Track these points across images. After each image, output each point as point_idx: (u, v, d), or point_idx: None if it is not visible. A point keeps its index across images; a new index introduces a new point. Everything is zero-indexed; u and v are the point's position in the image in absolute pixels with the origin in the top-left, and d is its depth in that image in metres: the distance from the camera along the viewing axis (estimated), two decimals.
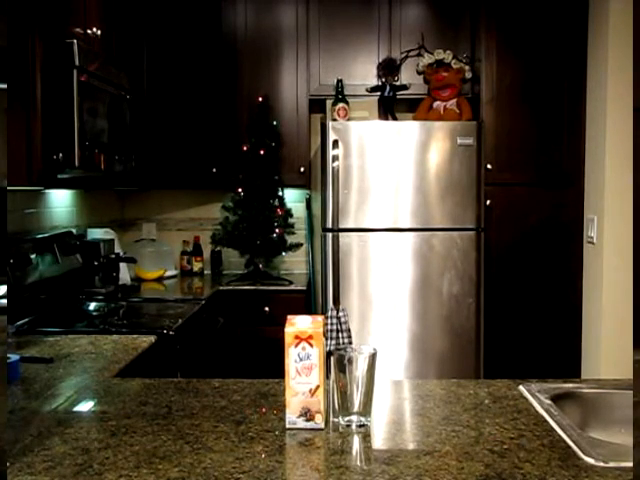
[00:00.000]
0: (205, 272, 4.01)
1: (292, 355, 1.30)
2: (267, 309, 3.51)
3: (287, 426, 1.31)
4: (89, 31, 2.62)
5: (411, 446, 1.26)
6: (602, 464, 1.14)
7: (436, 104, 3.62)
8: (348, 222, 3.34)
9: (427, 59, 3.66)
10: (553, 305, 3.56)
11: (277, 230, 3.67)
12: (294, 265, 4.04)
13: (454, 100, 3.61)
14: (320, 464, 1.17)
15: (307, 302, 3.69)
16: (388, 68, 3.64)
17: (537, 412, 1.42)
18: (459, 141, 3.30)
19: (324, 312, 3.34)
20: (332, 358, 1.32)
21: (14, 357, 1.72)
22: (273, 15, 3.74)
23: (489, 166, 3.48)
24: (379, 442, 1.29)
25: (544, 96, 3.52)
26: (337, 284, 3.32)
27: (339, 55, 3.73)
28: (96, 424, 1.37)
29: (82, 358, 1.94)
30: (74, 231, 3.06)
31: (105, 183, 3.22)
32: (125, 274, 3.35)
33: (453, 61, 3.64)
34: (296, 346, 1.30)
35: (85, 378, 1.73)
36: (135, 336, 2.22)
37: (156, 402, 1.49)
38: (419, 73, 3.70)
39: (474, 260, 3.35)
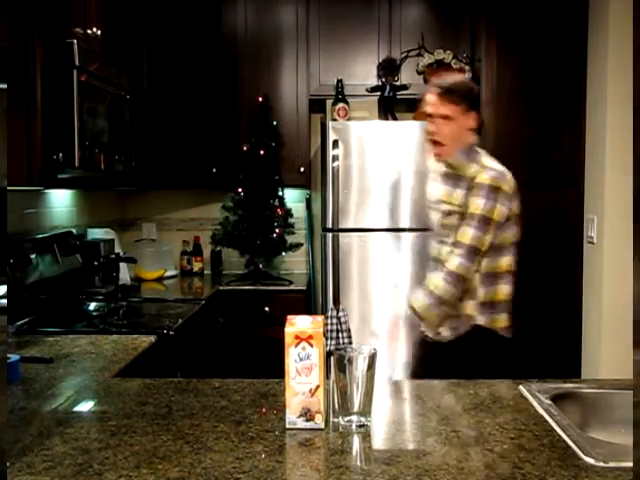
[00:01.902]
0: (205, 272, 4.01)
1: (292, 355, 1.30)
2: (267, 309, 3.51)
3: (287, 426, 1.31)
4: (89, 31, 2.62)
5: (411, 446, 1.26)
6: (602, 464, 1.14)
7: None
8: (348, 222, 3.34)
9: (427, 59, 3.65)
10: (553, 305, 3.55)
11: (277, 230, 3.67)
12: (294, 265, 4.04)
13: None
14: (320, 464, 1.17)
15: (307, 302, 3.69)
16: (388, 68, 3.64)
17: (537, 412, 1.42)
18: None
19: (324, 312, 3.34)
20: (332, 358, 1.32)
21: (14, 357, 1.72)
22: (273, 15, 3.74)
23: None
24: (379, 442, 1.29)
25: (544, 96, 3.51)
26: (337, 284, 3.31)
27: (339, 55, 3.73)
28: (96, 424, 1.37)
29: (82, 358, 1.94)
30: (74, 231, 3.05)
31: (105, 183, 3.22)
32: (125, 274, 3.34)
33: (453, 61, 3.64)
34: (296, 346, 1.30)
35: (85, 378, 1.73)
36: (135, 336, 2.22)
37: (156, 402, 1.49)
38: (419, 73, 3.70)
39: None
